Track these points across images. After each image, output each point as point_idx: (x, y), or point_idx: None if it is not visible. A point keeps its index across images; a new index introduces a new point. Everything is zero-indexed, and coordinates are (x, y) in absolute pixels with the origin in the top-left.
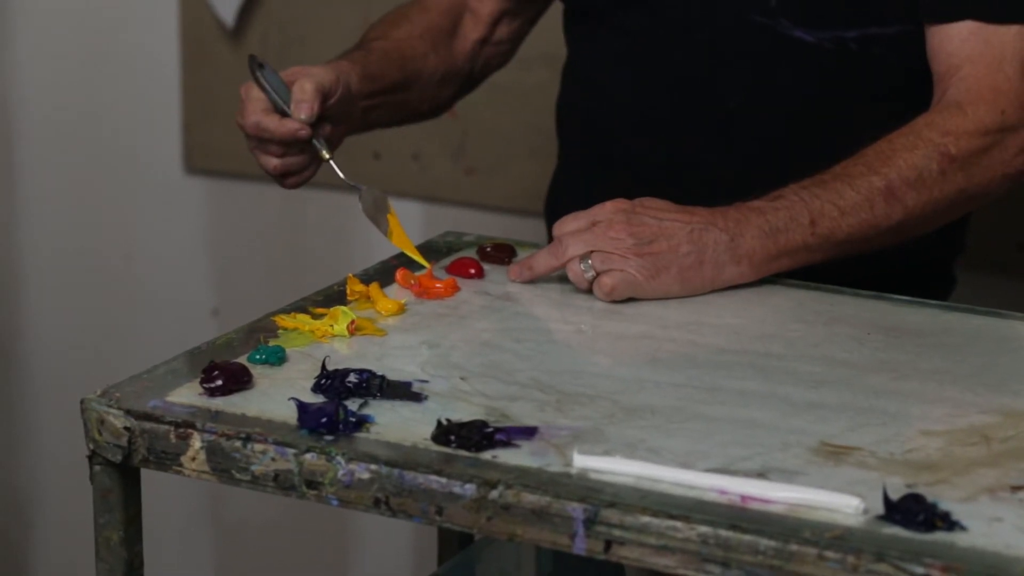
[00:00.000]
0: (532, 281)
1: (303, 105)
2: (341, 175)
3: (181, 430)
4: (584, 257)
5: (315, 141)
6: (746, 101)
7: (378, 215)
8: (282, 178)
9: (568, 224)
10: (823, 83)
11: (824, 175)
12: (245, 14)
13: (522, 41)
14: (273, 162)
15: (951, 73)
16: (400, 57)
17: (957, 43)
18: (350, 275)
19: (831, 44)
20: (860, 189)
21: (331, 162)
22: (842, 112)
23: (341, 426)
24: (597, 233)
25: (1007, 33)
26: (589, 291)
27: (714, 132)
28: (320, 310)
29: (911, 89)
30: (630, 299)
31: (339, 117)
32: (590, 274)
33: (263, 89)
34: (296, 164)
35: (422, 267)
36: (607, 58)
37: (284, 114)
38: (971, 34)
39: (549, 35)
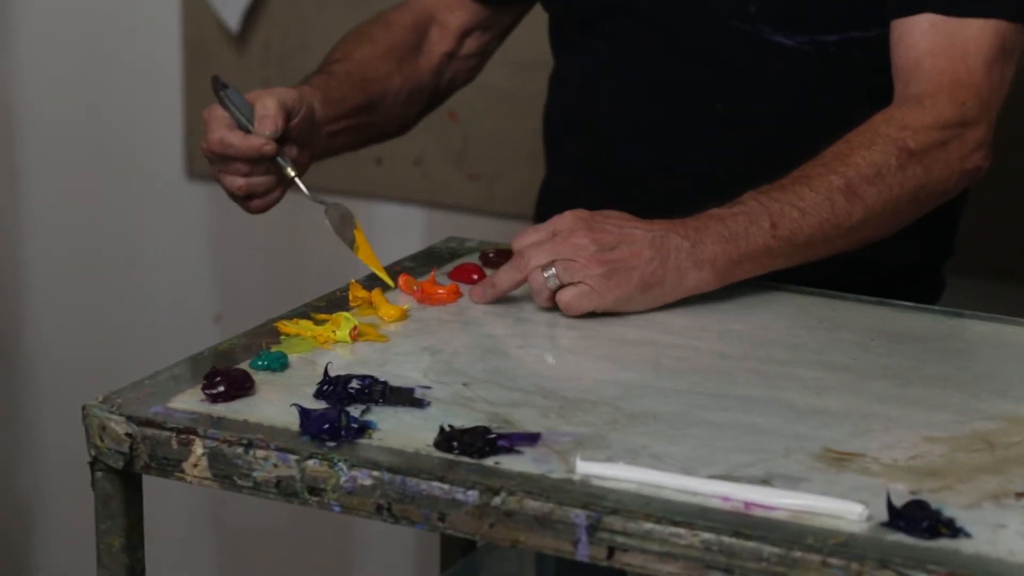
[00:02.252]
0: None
1: (266, 120)
2: (307, 192)
3: (183, 436)
4: (547, 267)
5: (279, 159)
6: (732, 105)
7: (344, 230)
8: (247, 200)
9: (528, 237)
10: (806, 86)
11: (783, 180)
12: (249, 19)
13: (490, 57)
14: (238, 182)
15: (911, 67)
16: (362, 79)
17: (917, 35)
18: (353, 281)
19: (811, 48)
20: (819, 189)
21: (296, 180)
22: (827, 114)
23: (343, 432)
24: (559, 242)
25: (970, 27)
26: (552, 306)
27: (701, 137)
28: (322, 316)
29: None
30: None
31: (303, 139)
32: (553, 282)
33: (226, 108)
34: (262, 185)
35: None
36: (593, 66)
37: (249, 132)
38: (931, 27)
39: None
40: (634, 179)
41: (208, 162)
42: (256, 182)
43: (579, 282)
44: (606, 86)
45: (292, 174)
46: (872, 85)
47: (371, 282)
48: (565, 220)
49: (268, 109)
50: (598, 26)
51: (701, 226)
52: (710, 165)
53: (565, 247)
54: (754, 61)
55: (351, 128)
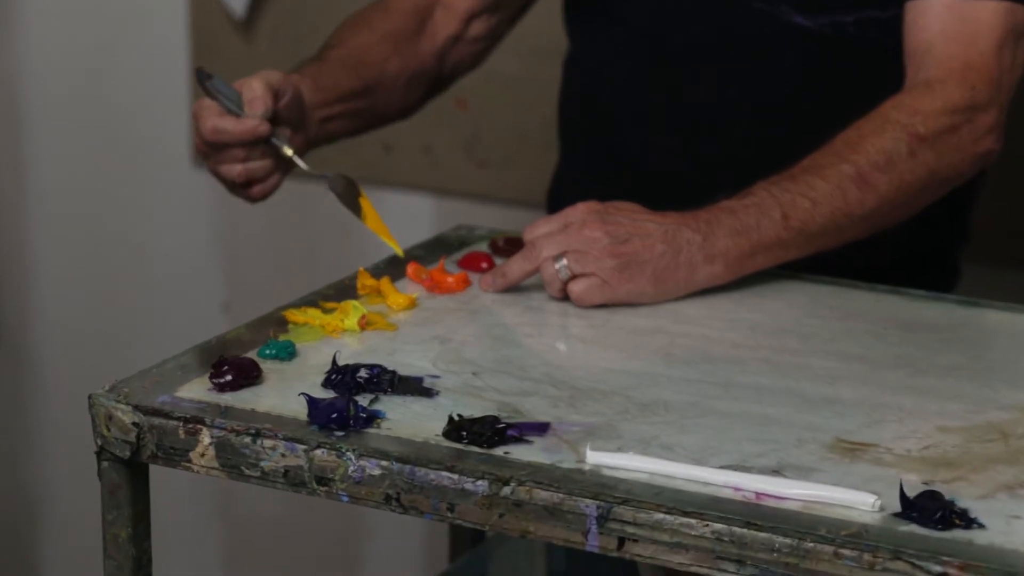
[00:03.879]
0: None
1: (256, 101)
2: (305, 167)
3: (190, 426)
4: (558, 258)
5: (274, 140)
6: (747, 90)
7: (350, 200)
8: (246, 187)
9: (540, 227)
10: (823, 69)
11: (793, 169)
12: (255, 5)
13: (499, 41)
14: (236, 169)
15: (923, 51)
16: (357, 64)
17: (931, 17)
18: (361, 269)
19: (830, 30)
20: (830, 178)
21: (294, 157)
22: (842, 98)
23: (352, 422)
24: (571, 233)
25: (984, 10)
26: (563, 297)
27: (715, 120)
28: (331, 304)
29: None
30: None
31: (294, 122)
32: (564, 274)
33: (214, 98)
34: (260, 169)
35: (405, 256)
36: (608, 49)
37: (240, 117)
38: (945, 8)
39: (562, 28)
40: (647, 163)
41: (203, 158)
42: (254, 167)
43: (591, 274)
44: (620, 69)
45: (289, 153)
46: (889, 68)
47: (379, 270)
48: (577, 211)
49: (255, 91)
50: (614, 9)
51: (712, 219)
52: (723, 149)
53: (577, 239)
54: (772, 44)
55: (347, 113)
